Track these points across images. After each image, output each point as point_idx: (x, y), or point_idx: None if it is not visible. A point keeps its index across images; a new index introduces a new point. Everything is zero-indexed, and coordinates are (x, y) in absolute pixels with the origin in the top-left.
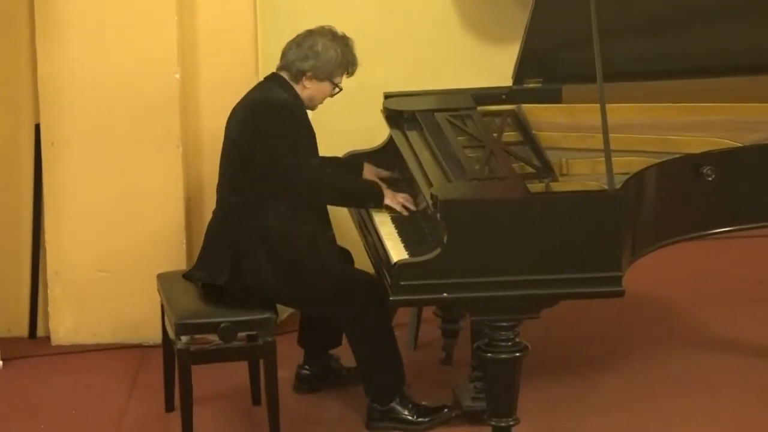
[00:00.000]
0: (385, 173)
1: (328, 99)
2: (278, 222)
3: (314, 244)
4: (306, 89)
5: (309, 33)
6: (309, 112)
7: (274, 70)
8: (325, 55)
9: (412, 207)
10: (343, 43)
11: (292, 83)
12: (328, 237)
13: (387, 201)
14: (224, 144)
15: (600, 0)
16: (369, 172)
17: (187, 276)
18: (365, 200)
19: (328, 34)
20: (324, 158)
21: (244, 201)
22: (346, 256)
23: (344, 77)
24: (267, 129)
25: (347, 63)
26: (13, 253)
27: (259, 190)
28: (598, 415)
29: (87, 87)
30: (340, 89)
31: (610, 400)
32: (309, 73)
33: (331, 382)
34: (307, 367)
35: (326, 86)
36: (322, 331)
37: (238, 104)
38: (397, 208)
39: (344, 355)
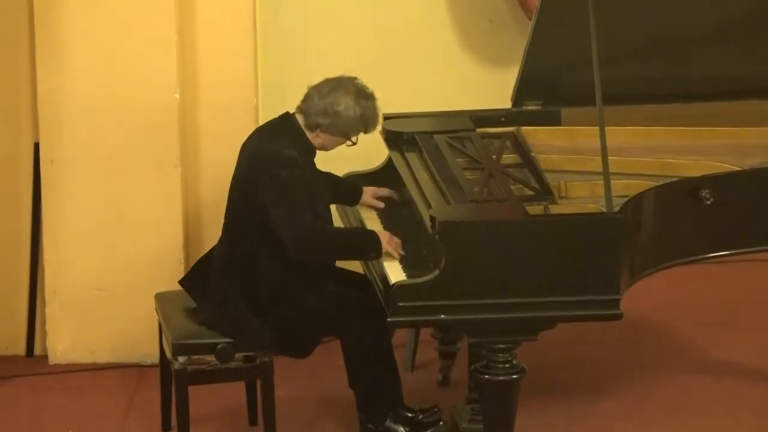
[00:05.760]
0: (384, 192)
1: None
2: (268, 273)
3: (301, 297)
4: (318, 138)
5: (336, 85)
6: None
7: (295, 110)
8: (345, 115)
9: (401, 252)
10: (365, 104)
11: (306, 130)
12: (326, 290)
13: (386, 248)
14: (233, 177)
15: (599, 24)
16: (368, 195)
17: (182, 284)
18: (364, 253)
19: (353, 91)
20: (325, 175)
21: (240, 242)
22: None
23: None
24: (266, 184)
25: (366, 122)
26: (11, 271)
27: (252, 238)
28: None
29: (86, 106)
30: (354, 143)
31: (607, 423)
32: (324, 127)
33: None
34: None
35: (340, 140)
36: None
37: (251, 141)
38: (393, 253)
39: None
